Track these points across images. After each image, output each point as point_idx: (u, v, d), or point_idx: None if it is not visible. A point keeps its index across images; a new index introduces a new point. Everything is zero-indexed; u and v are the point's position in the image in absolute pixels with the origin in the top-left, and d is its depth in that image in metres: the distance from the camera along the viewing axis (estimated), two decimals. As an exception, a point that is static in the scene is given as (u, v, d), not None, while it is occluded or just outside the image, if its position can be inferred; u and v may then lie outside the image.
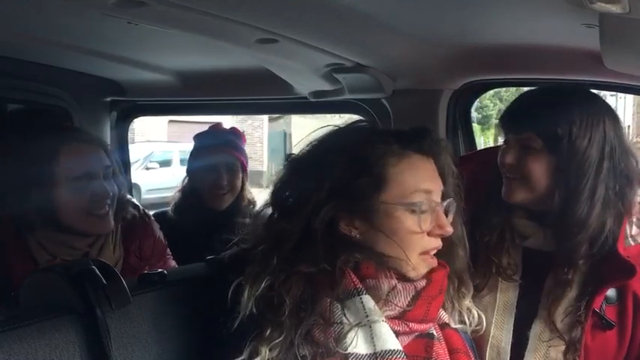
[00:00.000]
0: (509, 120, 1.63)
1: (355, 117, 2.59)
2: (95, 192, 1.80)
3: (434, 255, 1.28)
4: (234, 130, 2.83)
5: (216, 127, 2.81)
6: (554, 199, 1.53)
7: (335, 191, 1.23)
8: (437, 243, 1.28)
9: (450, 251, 1.33)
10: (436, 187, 1.28)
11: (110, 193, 1.83)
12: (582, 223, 1.51)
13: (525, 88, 1.73)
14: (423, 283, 1.25)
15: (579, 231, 1.51)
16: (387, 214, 1.23)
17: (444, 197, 1.30)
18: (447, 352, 1.29)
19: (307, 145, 1.32)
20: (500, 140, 1.66)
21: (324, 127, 1.33)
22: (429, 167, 1.29)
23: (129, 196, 2.07)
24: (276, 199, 1.30)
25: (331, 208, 1.22)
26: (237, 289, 1.21)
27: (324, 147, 1.30)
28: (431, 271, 1.27)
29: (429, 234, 1.26)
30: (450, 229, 1.27)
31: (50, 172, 1.76)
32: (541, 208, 1.58)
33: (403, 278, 1.24)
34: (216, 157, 2.63)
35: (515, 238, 1.63)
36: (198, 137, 2.78)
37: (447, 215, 1.29)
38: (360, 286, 1.21)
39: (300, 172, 1.30)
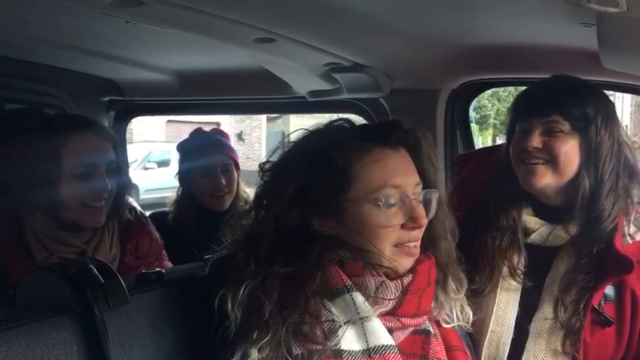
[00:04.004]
0: (530, 105, 1.61)
1: (354, 117, 2.59)
2: (94, 184, 1.81)
3: (418, 246, 1.26)
4: (217, 131, 2.79)
5: (198, 132, 2.73)
6: (578, 187, 1.54)
7: (300, 193, 1.22)
8: (413, 235, 1.24)
9: (435, 243, 1.31)
10: (408, 180, 1.24)
11: (109, 188, 1.83)
12: (609, 210, 1.53)
13: (523, 88, 1.73)
14: (409, 277, 1.23)
15: (607, 218, 1.53)
16: (355, 212, 1.22)
17: (425, 187, 1.27)
18: (443, 349, 1.29)
19: (282, 150, 1.32)
20: (498, 140, 1.65)
21: (298, 130, 1.32)
22: (399, 160, 1.25)
23: (129, 199, 2.07)
24: (254, 204, 1.31)
25: (299, 210, 1.22)
26: (221, 300, 1.20)
27: (292, 150, 1.30)
28: (415, 264, 1.25)
29: (403, 227, 1.23)
30: (423, 221, 1.24)
31: (56, 158, 1.77)
32: (556, 201, 1.59)
33: (389, 275, 1.23)
34: (210, 160, 2.57)
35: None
36: (182, 145, 2.71)
37: (429, 205, 1.27)
38: (350, 283, 1.20)
39: (272, 177, 1.30)
